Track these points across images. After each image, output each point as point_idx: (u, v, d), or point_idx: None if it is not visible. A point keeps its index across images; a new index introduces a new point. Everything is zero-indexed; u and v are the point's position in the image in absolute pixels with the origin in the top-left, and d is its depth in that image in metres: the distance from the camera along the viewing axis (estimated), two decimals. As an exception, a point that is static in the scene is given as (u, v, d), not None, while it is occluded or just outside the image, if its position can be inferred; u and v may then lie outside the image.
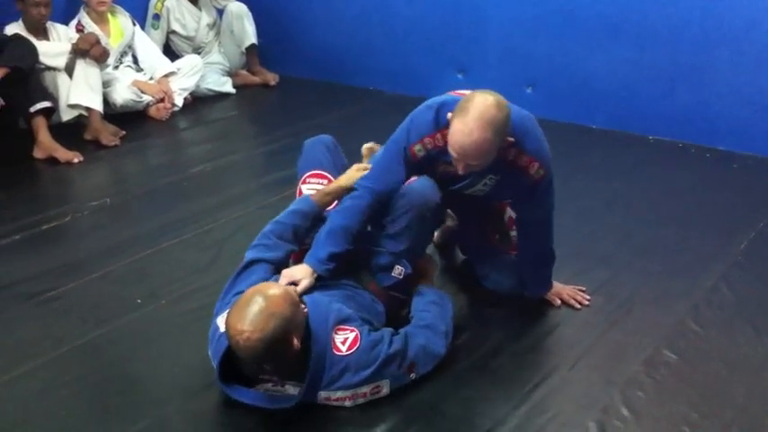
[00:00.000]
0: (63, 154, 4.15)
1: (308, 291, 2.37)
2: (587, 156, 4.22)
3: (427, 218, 2.54)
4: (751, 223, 3.36)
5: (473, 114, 2.26)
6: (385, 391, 2.29)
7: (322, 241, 2.44)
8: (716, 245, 3.20)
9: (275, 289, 2.15)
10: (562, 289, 2.78)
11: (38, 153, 4.18)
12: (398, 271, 2.56)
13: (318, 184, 2.75)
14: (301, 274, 2.37)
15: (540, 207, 2.61)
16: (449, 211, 3.00)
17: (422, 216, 2.51)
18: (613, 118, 4.50)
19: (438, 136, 2.44)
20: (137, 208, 3.76)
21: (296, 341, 2.12)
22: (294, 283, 2.35)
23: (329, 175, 2.77)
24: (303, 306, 2.21)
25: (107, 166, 4.28)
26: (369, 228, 2.58)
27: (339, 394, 2.23)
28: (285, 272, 2.37)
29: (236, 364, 2.21)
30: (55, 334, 2.66)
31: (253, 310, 2.05)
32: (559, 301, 2.75)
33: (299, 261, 2.48)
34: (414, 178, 2.52)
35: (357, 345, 2.23)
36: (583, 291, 2.81)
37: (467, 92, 2.49)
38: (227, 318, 2.10)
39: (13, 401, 2.33)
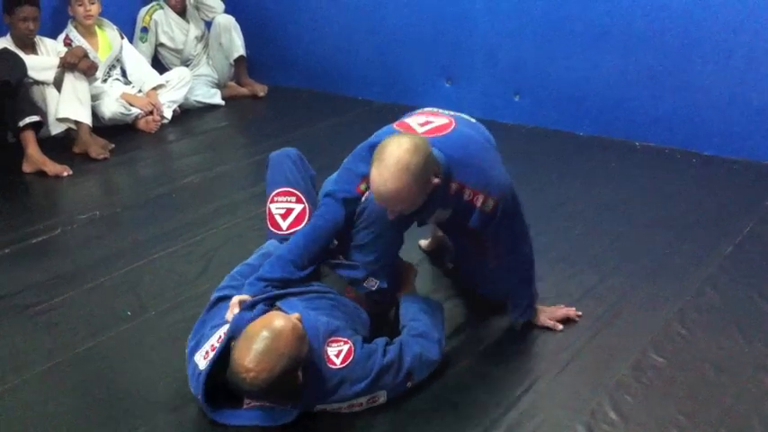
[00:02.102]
0: (52, 167, 4.16)
1: (291, 303, 2.36)
2: (575, 162, 4.24)
3: (393, 226, 2.49)
4: (737, 227, 3.39)
5: (387, 162, 2.22)
6: (382, 400, 2.30)
7: (261, 268, 2.48)
8: (702, 249, 3.23)
9: (283, 323, 2.09)
10: (554, 310, 2.72)
11: (27, 167, 4.19)
12: (372, 283, 2.55)
13: (287, 201, 2.75)
14: (236, 299, 2.36)
15: (506, 236, 2.52)
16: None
17: (387, 225, 2.47)
18: (600, 124, 4.53)
19: None
20: (126, 220, 3.76)
21: (300, 375, 2.12)
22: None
23: (297, 191, 2.76)
24: (306, 335, 2.16)
25: (96, 178, 4.28)
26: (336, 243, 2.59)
27: (335, 406, 2.25)
28: (231, 303, 2.34)
29: (221, 385, 2.20)
30: (46, 346, 2.67)
31: (260, 347, 2.02)
32: (561, 326, 2.69)
33: None
34: (368, 193, 2.46)
35: (351, 357, 2.23)
36: (574, 309, 2.76)
37: (413, 121, 2.52)
38: (234, 354, 2.07)
39: (3, 414, 2.33)
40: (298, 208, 2.76)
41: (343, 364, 2.22)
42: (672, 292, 2.91)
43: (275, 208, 2.78)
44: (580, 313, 2.76)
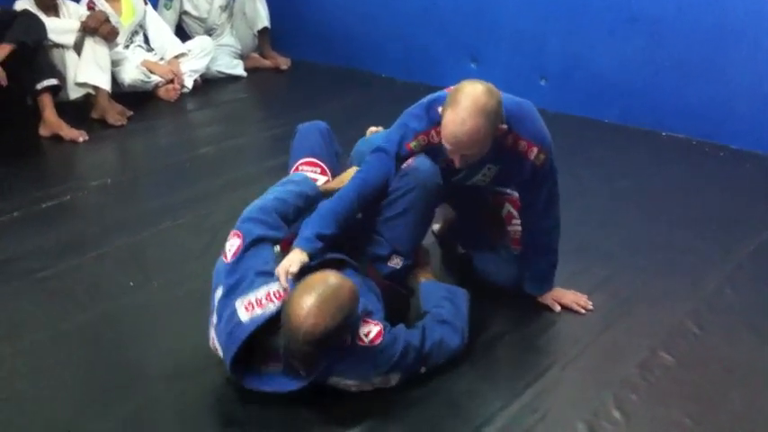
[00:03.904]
0: (68, 132, 4.13)
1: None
2: (598, 150, 4.14)
3: (428, 200, 2.47)
4: (761, 226, 3.28)
5: (464, 103, 2.23)
6: (393, 383, 2.25)
7: (310, 223, 2.36)
8: (723, 246, 3.13)
9: (341, 280, 2.06)
10: (563, 293, 2.70)
11: (43, 131, 4.17)
12: (396, 261, 2.51)
13: (312, 172, 2.68)
14: (291, 260, 2.26)
15: (545, 195, 2.54)
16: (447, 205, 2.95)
17: (423, 197, 2.44)
18: (626, 112, 4.43)
19: (432, 133, 2.40)
20: (139, 188, 3.74)
21: (349, 335, 2.09)
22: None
23: (322, 164, 2.70)
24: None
25: (112, 145, 4.26)
26: (361, 216, 2.51)
27: (349, 382, 2.20)
28: (279, 269, 2.21)
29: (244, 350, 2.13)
30: (49, 313, 2.65)
31: (321, 298, 1.98)
32: (559, 307, 2.67)
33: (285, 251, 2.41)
34: (412, 159, 2.45)
35: (380, 339, 2.18)
36: (586, 298, 2.71)
37: None
38: (292, 304, 2.00)
39: (2, 380, 2.31)
40: (321, 180, 2.68)
41: (372, 344, 2.17)
42: (687, 290, 2.82)
43: None
44: (591, 306, 2.68)
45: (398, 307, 2.55)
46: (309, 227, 2.34)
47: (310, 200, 2.47)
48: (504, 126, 2.34)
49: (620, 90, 4.42)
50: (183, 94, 4.91)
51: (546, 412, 2.22)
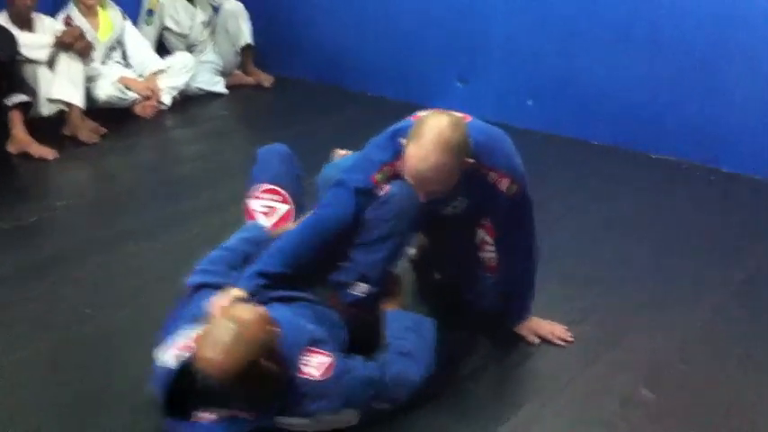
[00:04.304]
0: (37, 149, 4.01)
1: (278, 309, 2.16)
2: (585, 173, 4.00)
3: (407, 228, 2.36)
4: (753, 253, 3.14)
5: (427, 138, 2.12)
6: (351, 421, 2.10)
7: (257, 260, 2.27)
8: (714, 274, 2.98)
9: (247, 313, 1.94)
10: (540, 325, 2.56)
11: (11, 147, 4.04)
12: (362, 288, 2.37)
13: (272, 200, 2.57)
14: (224, 295, 2.16)
15: (519, 226, 2.43)
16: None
17: (401, 226, 2.32)
18: (615, 134, 4.28)
19: (398, 164, 2.27)
20: (109, 209, 3.60)
21: (270, 366, 1.93)
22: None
23: (283, 191, 2.58)
24: (275, 328, 2.00)
25: (84, 163, 4.13)
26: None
27: (298, 421, 2.05)
28: (212, 301, 2.13)
29: (180, 397, 2.01)
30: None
31: (224, 338, 1.86)
32: (537, 339, 2.53)
33: None
34: (389, 186, 2.31)
35: (330, 372, 2.05)
36: (565, 328, 2.57)
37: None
38: (198, 347, 1.91)
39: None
40: (282, 208, 2.59)
41: (321, 378, 2.03)
42: (677, 320, 2.68)
43: (259, 205, 2.61)
44: (570, 337, 2.54)
45: (367, 337, 2.40)
46: (253, 265, 2.25)
47: (261, 244, 2.38)
48: (471, 160, 2.21)
49: (610, 111, 4.28)
50: (161, 112, 4.77)
51: (519, 455, 2.07)
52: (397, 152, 2.25)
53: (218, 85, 5.19)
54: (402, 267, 2.89)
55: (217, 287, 2.24)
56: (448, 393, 2.29)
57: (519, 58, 4.56)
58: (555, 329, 2.56)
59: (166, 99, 4.81)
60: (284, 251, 2.27)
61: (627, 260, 3.10)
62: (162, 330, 2.18)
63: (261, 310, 2.00)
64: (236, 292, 2.17)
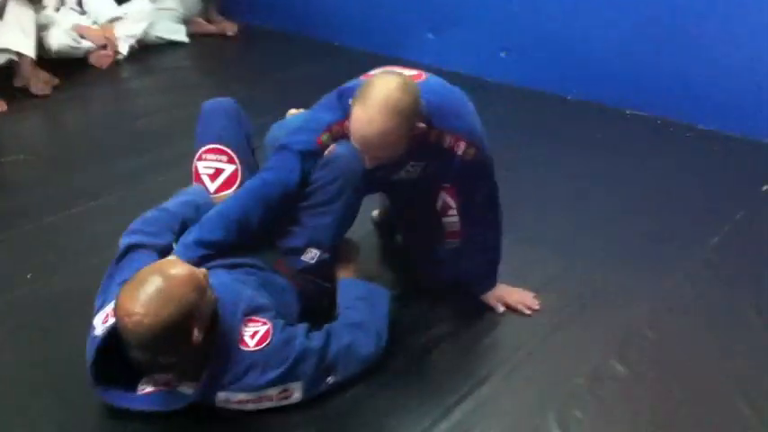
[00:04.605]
0: (-16, 102, 3.80)
1: (216, 275, 2.04)
2: (558, 129, 3.86)
3: (353, 190, 2.22)
4: (727, 214, 3.03)
5: (374, 100, 2.00)
6: (296, 396, 1.98)
7: (194, 229, 2.15)
8: (687, 238, 2.88)
9: (179, 268, 1.82)
10: (508, 292, 2.44)
11: (-43, 100, 3.83)
12: (312, 254, 2.24)
13: (217, 161, 2.42)
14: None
15: (479, 190, 2.30)
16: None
17: (348, 187, 2.20)
18: (590, 89, 4.13)
19: (346, 123, 2.12)
20: (58, 166, 3.41)
21: (197, 332, 1.80)
22: None
23: (228, 150, 2.43)
24: (211, 291, 1.88)
25: (35, 116, 3.94)
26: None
27: (241, 396, 1.92)
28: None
29: (114, 364, 1.88)
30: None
31: (148, 289, 1.74)
32: (503, 308, 2.41)
33: None
34: (334, 146, 2.18)
35: (268, 340, 1.93)
36: (533, 296, 2.46)
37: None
38: (119, 297, 1.78)
39: None
40: (229, 169, 2.44)
41: (257, 347, 1.91)
42: (645, 287, 2.57)
43: (203, 167, 2.46)
44: (537, 306, 2.43)
45: (322, 306, 2.29)
46: (192, 232, 2.13)
47: (201, 209, 2.25)
48: (422, 125, 2.08)
49: (585, 64, 4.12)
50: (118, 62, 4.56)
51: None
52: (346, 112, 2.11)
53: (179, 34, 4.96)
54: (365, 230, 2.78)
55: (151, 248, 2.11)
56: (405, 367, 2.18)
57: (492, 9, 4.38)
58: (524, 297, 2.44)
59: (123, 48, 4.60)
60: (225, 217, 2.14)
61: (594, 223, 2.98)
62: (97, 295, 2.05)
63: (198, 269, 1.87)
64: (175, 260, 2.03)
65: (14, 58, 4.03)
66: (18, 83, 4.07)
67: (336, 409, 2.01)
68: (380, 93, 2.00)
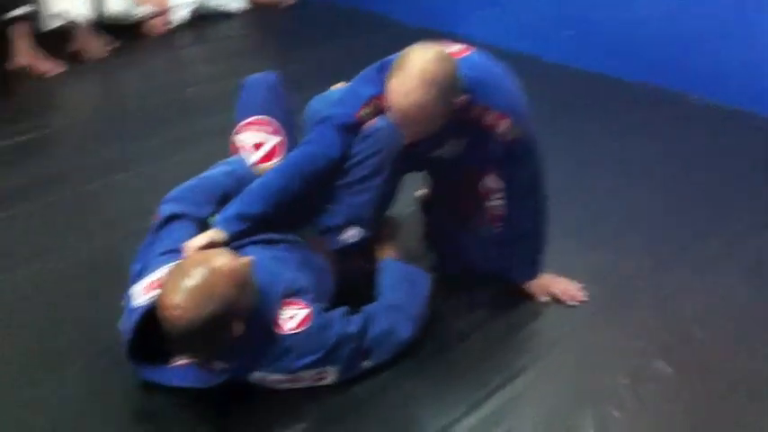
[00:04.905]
0: (41, 64, 3.82)
1: (255, 252, 1.99)
2: (616, 113, 3.69)
3: (394, 164, 2.16)
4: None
5: (410, 72, 1.95)
6: (331, 378, 1.94)
7: (235, 201, 2.09)
8: (744, 232, 2.73)
9: (224, 261, 1.77)
10: (553, 281, 2.34)
11: (15, 62, 3.84)
12: (351, 233, 2.19)
13: (261, 132, 2.35)
14: (201, 235, 1.98)
15: (522, 173, 2.21)
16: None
17: (388, 161, 2.14)
18: (653, 71, 3.94)
19: (386, 97, 2.05)
20: (107, 130, 3.41)
21: (236, 326, 1.77)
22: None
23: (273, 121, 2.36)
24: (254, 282, 1.83)
25: (89, 80, 3.95)
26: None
27: (276, 377, 1.89)
28: (185, 244, 1.95)
29: (150, 338, 1.85)
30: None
31: (191, 283, 1.70)
32: (546, 297, 2.32)
33: None
34: (375, 119, 2.12)
35: (307, 324, 1.88)
36: (580, 287, 2.35)
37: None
38: (163, 286, 1.75)
39: None
40: (273, 140, 2.37)
41: (295, 331, 1.87)
42: (696, 283, 2.44)
43: (246, 137, 2.39)
44: (584, 297, 2.32)
45: (359, 287, 2.23)
46: (233, 205, 2.07)
47: (243, 180, 2.19)
48: (463, 98, 2.00)
49: (648, 45, 3.94)
50: (173, 29, 4.54)
51: (510, 428, 1.88)
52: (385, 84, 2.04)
53: (235, 3, 4.92)
54: (409, 210, 2.71)
55: (192, 219, 2.07)
56: (436, 354, 2.10)
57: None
58: (569, 287, 2.34)
59: (179, 16, 4.58)
60: (265, 191, 2.09)
61: (651, 214, 2.84)
62: (134, 263, 2.01)
63: (242, 260, 1.81)
64: (215, 234, 2.00)
65: (71, 21, 4.03)
66: (74, 46, 4.08)
67: (364, 393, 1.96)
68: (416, 65, 1.94)
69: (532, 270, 2.34)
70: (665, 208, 2.89)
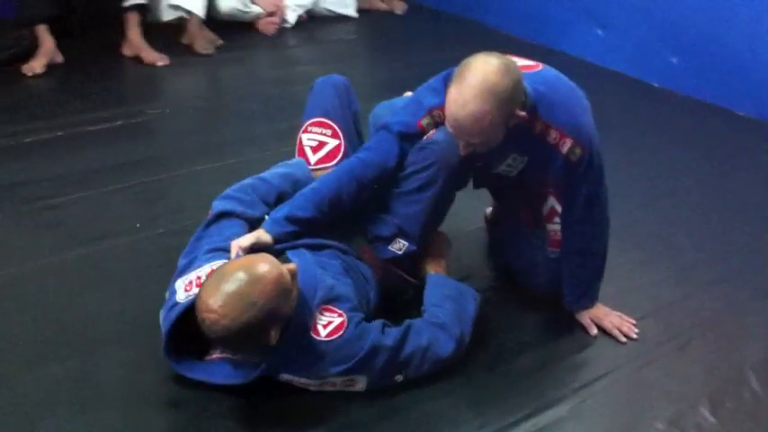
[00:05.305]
0: (148, 55, 3.97)
1: (300, 255, 2.02)
2: (723, 146, 3.55)
3: (448, 178, 2.12)
4: None
5: (470, 82, 1.88)
6: (360, 386, 1.93)
7: (286, 204, 2.09)
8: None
9: (267, 268, 1.75)
10: (606, 314, 2.26)
11: (125, 50, 4.02)
12: (399, 245, 2.17)
13: (321, 134, 2.38)
14: (248, 235, 2.00)
15: (584, 197, 2.11)
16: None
17: (443, 175, 2.10)
18: (765, 106, 3.76)
19: None
20: (200, 122, 3.52)
21: (274, 333, 1.77)
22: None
23: (334, 124, 2.39)
24: (296, 290, 1.83)
25: (194, 73, 4.07)
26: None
27: (305, 380, 1.90)
28: (232, 243, 1.96)
29: (189, 330, 1.86)
30: (44, 243, 2.47)
31: (231, 288, 1.69)
32: (596, 330, 2.23)
33: None
34: (433, 131, 2.10)
35: (340, 332, 1.87)
36: (633, 323, 2.26)
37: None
38: (203, 286, 1.76)
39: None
40: (332, 143, 2.41)
41: (329, 338, 1.86)
42: (760, 330, 2.30)
43: (307, 138, 2.44)
44: (635, 334, 2.23)
45: (405, 298, 2.23)
46: (283, 207, 2.08)
47: (299, 183, 2.21)
48: (522, 113, 1.93)
49: (761, 78, 3.75)
50: (283, 30, 4.64)
51: (534, 460, 1.83)
52: None
53: (349, 8, 4.99)
54: (475, 225, 2.67)
55: (242, 218, 2.10)
56: (475, 373, 2.06)
57: (664, 8, 4.08)
58: (621, 323, 2.25)
59: (291, 17, 4.68)
60: (318, 195, 2.09)
61: (726, 250, 2.72)
62: (183, 255, 2.05)
63: (287, 267, 1.81)
64: (263, 234, 2.02)
65: (185, 15, 4.19)
66: (184, 40, 4.22)
67: (392, 405, 1.94)
68: (477, 74, 1.88)
69: (585, 300, 2.26)
70: (743, 245, 2.75)
